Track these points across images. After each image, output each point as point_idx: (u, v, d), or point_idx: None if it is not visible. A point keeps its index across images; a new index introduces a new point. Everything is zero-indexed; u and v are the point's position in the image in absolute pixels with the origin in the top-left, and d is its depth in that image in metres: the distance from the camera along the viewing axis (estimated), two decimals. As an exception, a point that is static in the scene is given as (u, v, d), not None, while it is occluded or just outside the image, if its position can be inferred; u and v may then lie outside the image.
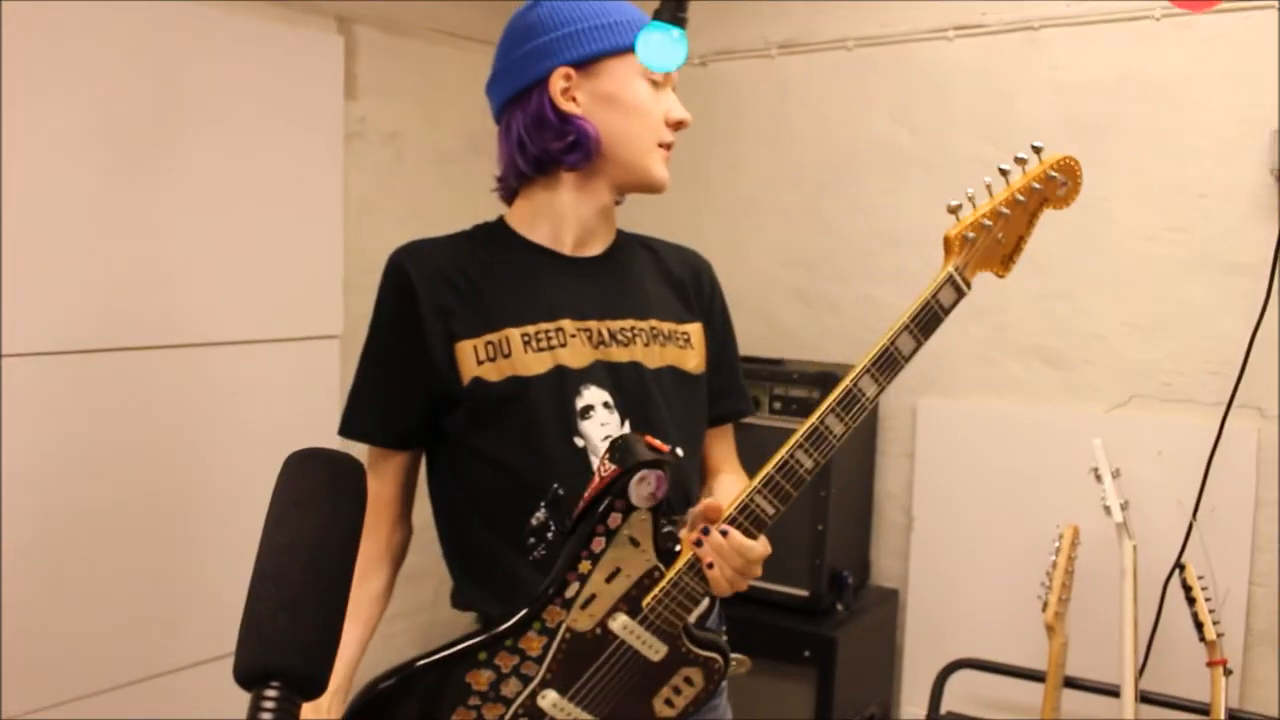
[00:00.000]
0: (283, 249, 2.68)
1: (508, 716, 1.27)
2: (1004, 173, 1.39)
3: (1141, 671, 2.28)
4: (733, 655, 1.38)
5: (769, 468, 1.29)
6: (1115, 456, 2.35)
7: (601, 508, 1.26)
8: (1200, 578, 2.17)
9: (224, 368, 2.58)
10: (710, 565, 1.27)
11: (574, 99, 1.45)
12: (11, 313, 2.19)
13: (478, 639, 1.28)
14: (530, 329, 1.43)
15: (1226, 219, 2.47)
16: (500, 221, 1.55)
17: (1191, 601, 2.16)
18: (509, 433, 1.42)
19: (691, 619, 1.32)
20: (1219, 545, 2.37)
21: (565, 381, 1.43)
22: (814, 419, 1.29)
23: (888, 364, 1.33)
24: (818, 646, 2.60)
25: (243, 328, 2.61)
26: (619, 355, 1.46)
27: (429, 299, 1.44)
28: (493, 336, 1.42)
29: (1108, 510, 2.28)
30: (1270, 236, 2.39)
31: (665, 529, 1.30)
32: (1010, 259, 1.42)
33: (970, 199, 1.37)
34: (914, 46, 2.88)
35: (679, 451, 1.49)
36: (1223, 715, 2.09)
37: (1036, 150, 1.40)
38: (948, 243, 1.37)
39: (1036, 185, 1.40)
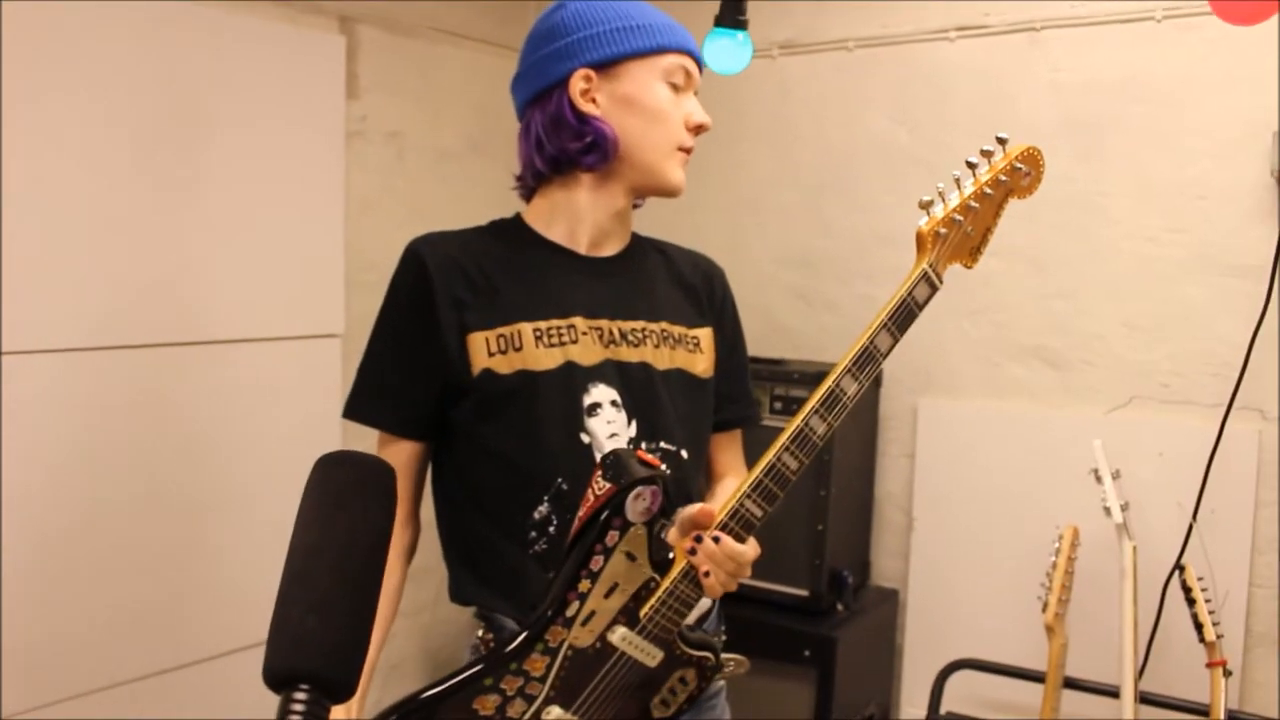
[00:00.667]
0: (284, 247, 2.68)
1: None
2: (971, 166, 1.40)
3: (1141, 672, 2.28)
4: (731, 656, 1.38)
5: (756, 472, 1.30)
6: (1115, 458, 2.35)
7: (599, 526, 1.27)
8: (1200, 579, 2.17)
9: (225, 366, 2.58)
10: (707, 574, 1.28)
11: (594, 100, 1.47)
12: (12, 311, 2.20)
13: (482, 665, 1.28)
14: (542, 324, 1.44)
15: (1227, 220, 2.47)
16: (518, 218, 1.56)
17: (1191, 603, 2.16)
18: (516, 426, 1.43)
19: (689, 621, 1.33)
20: (1219, 547, 2.37)
21: (574, 378, 1.43)
22: (798, 421, 1.30)
23: (866, 362, 1.35)
24: (817, 646, 2.60)
25: (243, 326, 2.62)
26: (629, 355, 1.47)
27: (444, 289, 1.45)
28: (505, 330, 1.43)
29: (1108, 511, 2.28)
30: (1270, 238, 2.39)
31: (658, 531, 1.31)
32: (978, 250, 1.44)
33: (940, 194, 1.39)
34: (915, 47, 2.88)
35: (683, 454, 1.50)
36: (1222, 717, 2.10)
37: (1001, 142, 1.41)
38: (920, 239, 1.39)
39: (1003, 178, 1.41)
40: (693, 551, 1.28)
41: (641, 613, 1.30)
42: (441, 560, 1.56)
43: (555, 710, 1.29)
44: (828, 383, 1.31)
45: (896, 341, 1.37)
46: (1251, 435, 2.43)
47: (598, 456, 1.41)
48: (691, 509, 1.30)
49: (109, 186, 2.34)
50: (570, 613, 1.29)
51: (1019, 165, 1.42)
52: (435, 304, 1.44)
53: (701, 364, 1.55)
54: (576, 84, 1.46)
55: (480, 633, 1.47)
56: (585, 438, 1.43)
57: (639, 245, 1.61)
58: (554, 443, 1.42)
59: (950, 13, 2.81)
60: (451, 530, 1.52)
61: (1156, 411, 2.57)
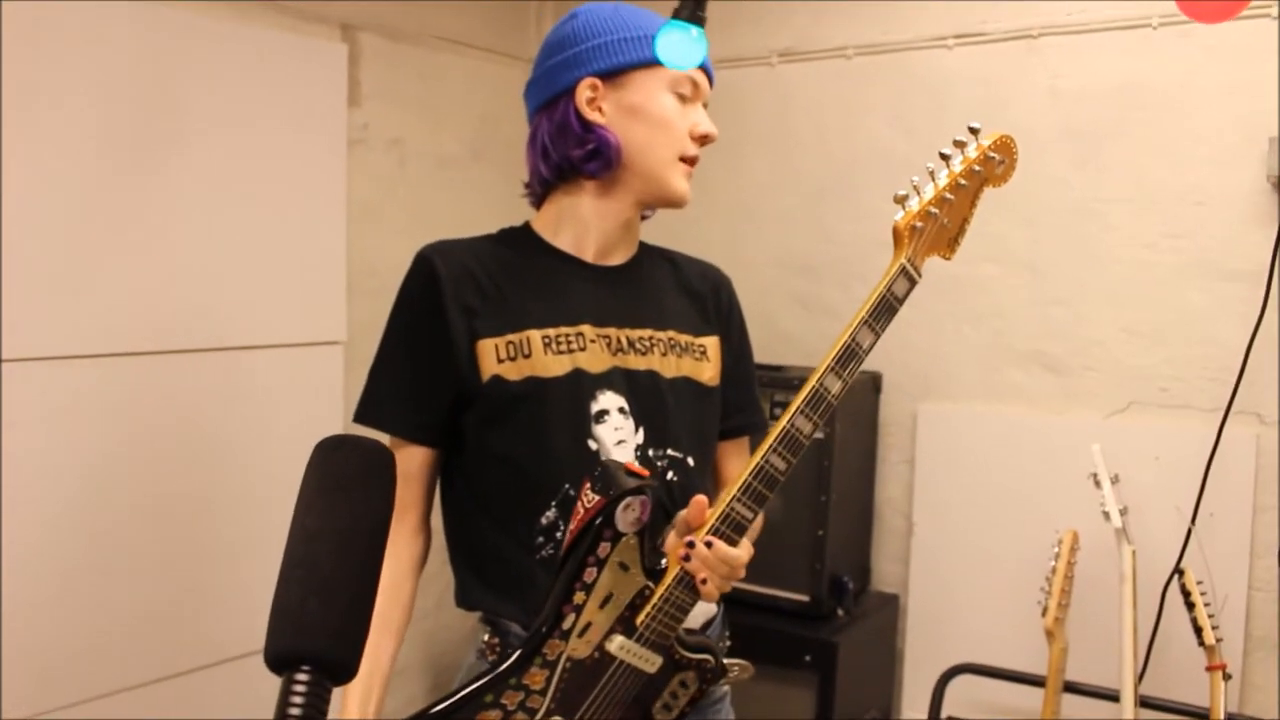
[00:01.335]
0: (286, 255, 2.69)
1: None
2: (945, 158, 1.41)
3: (1141, 676, 2.28)
4: (735, 661, 1.39)
5: (745, 475, 1.30)
6: (1114, 462, 2.36)
7: (590, 538, 1.28)
8: (1199, 583, 2.18)
9: (227, 373, 2.59)
10: (704, 580, 1.29)
11: (600, 109, 1.48)
12: (12, 318, 2.21)
13: (482, 681, 1.29)
14: (551, 331, 1.45)
15: (1225, 226, 2.48)
16: (526, 226, 1.57)
17: (1191, 607, 2.16)
18: (524, 432, 1.44)
19: (698, 624, 1.34)
20: (1218, 551, 2.38)
21: (582, 385, 1.44)
22: (784, 422, 1.30)
23: (849, 359, 1.34)
24: (818, 651, 2.61)
25: (246, 333, 2.63)
26: (637, 363, 1.48)
27: (454, 295, 1.46)
28: (514, 336, 1.44)
29: (1107, 516, 2.29)
30: (1268, 243, 2.40)
31: (660, 543, 1.32)
32: (955, 241, 1.43)
33: (915, 188, 1.40)
34: (914, 55, 2.89)
35: (690, 461, 1.50)
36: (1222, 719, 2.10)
37: (974, 132, 1.41)
38: (897, 234, 1.38)
39: (977, 168, 1.41)
40: (686, 558, 1.28)
41: (638, 620, 1.30)
42: (444, 566, 1.57)
43: None
44: (811, 382, 1.31)
45: (878, 337, 1.36)
46: (1250, 439, 2.43)
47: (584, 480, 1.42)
48: (685, 510, 1.31)
49: (110, 193, 2.35)
50: (566, 625, 1.29)
51: (992, 154, 1.42)
52: (445, 310, 1.45)
53: (708, 372, 1.56)
54: (583, 92, 1.47)
55: (485, 637, 1.48)
56: (593, 444, 1.43)
57: (647, 254, 1.62)
58: (561, 449, 1.43)
59: (949, 20, 2.83)
60: (458, 535, 1.53)
61: (1155, 416, 2.58)
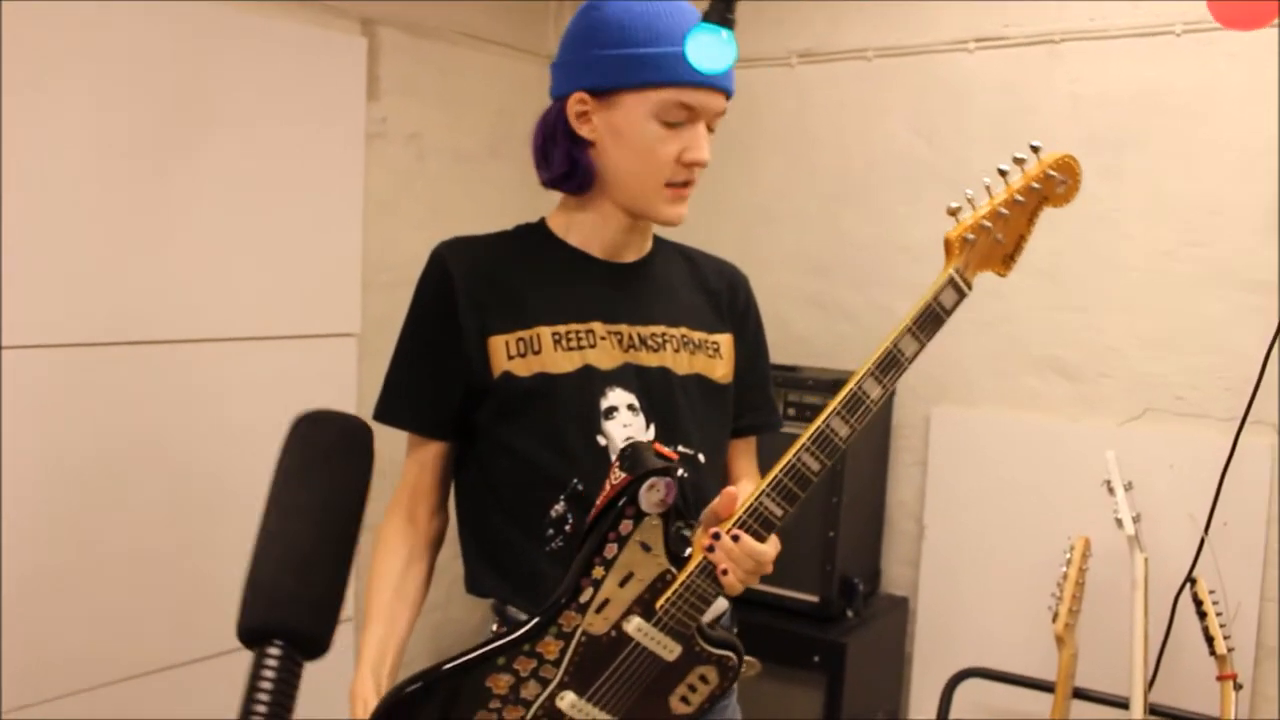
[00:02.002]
0: (302, 247, 2.70)
1: (527, 718, 1.30)
2: (1003, 173, 1.40)
3: (1151, 684, 2.28)
4: (745, 657, 1.39)
5: (776, 470, 1.30)
6: (1128, 469, 2.35)
7: (613, 515, 1.29)
8: (1211, 592, 2.17)
9: (241, 364, 2.60)
10: (725, 572, 1.29)
11: (590, 122, 1.46)
12: (21, 305, 2.22)
13: (496, 644, 1.30)
14: (562, 328, 1.46)
15: (1243, 235, 2.47)
16: (541, 223, 1.57)
17: (1202, 615, 2.16)
18: (533, 427, 1.45)
19: (706, 619, 1.34)
20: (1231, 560, 2.37)
21: (592, 381, 1.45)
22: (819, 422, 1.31)
23: (890, 365, 1.35)
24: (827, 652, 2.61)
25: (260, 324, 2.64)
26: (648, 360, 1.48)
27: (467, 293, 1.47)
28: (524, 333, 1.45)
29: (1120, 522, 2.28)
30: (1287, 253, 2.39)
31: (676, 531, 1.32)
32: (1011, 258, 1.44)
33: (970, 201, 1.39)
34: (934, 58, 2.89)
35: (701, 458, 1.51)
36: (1231, 729, 2.10)
37: (1035, 150, 1.40)
38: (948, 244, 1.39)
39: (1035, 185, 1.40)
40: (711, 549, 1.29)
41: (658, 604, 1.31)
42: (452, 560, 1.58)
43: (570, 696, 1.30)
44: (850, 384, 1.32)
45: (922, 346, 1.37)
46: (1265, 449, 2.42)
47: (614, 459, 1.42)
48: (715, 501, 1.32)
49: (127, 184, 2.36)
50: (584, 599, 1.30)
51: (1053, 173, 1.41)
52: (458, 308, 1.46)
53: (721, 369, 1.56)
54: (574, 105, 1.46)
55: (494, 626, 1.49)
56: (602, 440, 1.44)
57: (662, 250, 1.61)
58: (570, 444, 1.44)
59: (970, 23, 2.82)
60: (470, 524, 1.54)
61: (1170, 424, 2.57)
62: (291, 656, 0.79)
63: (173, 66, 2.40)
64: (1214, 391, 2.52)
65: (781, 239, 3.13)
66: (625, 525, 1.29)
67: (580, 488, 1.43)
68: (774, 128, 3.16)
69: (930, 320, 1.38)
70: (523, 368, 1.44)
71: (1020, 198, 1.40)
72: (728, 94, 1.46)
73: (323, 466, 0.90)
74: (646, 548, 1.30)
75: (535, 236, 1.56)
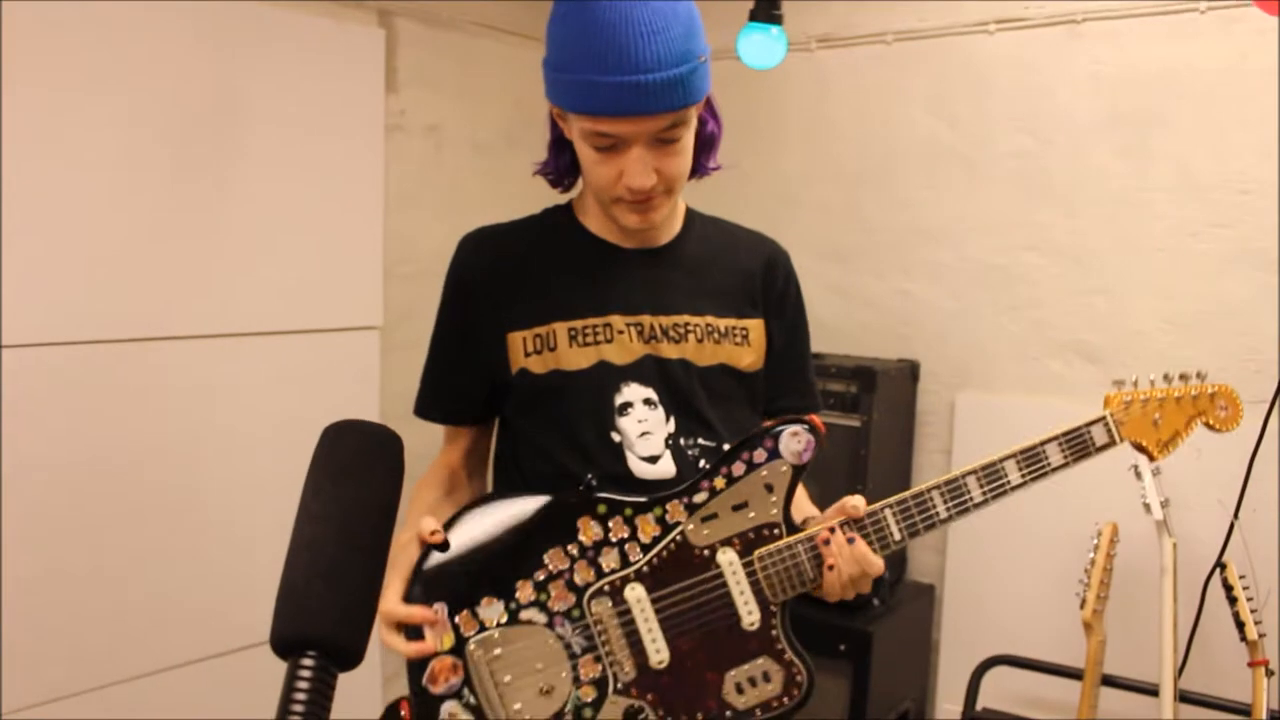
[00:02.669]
0: (323, 240, 2.71)
1: (593, 587, 1.30)
2: (1168, 378, 1.59)
3: (1181, 671, 2.25)
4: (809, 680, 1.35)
5: (906, 494, 1.36)
6: (1156, 454, 2.32)
7: (752, 441, 1.35)
8: (1242, 577, 2.15)
9: (264, 358, 2.61)
10: (831, 567, 1.31)
11: (566, 123, 1.42)
12: (30, 302, 2.24)
13: (607, 495, 1.34)
14: (578, 324, 1.45)
15: (1271, 215, 2.44)
16: (568, 207, 1.56)
17: (1233, 601, 2.13)
18: (549, 424, 1.45)
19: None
20: (1261, 545, 2.35)
21: (607, 378, 1.44)
22: (958, 473, 1.40)
23: (1033, 460, 1.47)
24: (853, 641, 2.60)
25: (282, 318, 2.65)
26: (669, 351, 1.47)
27: (486, 290, 1.47)
28: (541, 329, 1.45)
29: (1147, 508, 2.25)
30: (1316, 232, 2.36)
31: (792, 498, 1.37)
32: (1162, 445, 1.58)
33: (1134, 382, 1.57)
34: (954, 40, 2.86)
35: (725, 449, 1.48)
36: (1264, 716, 2.07)
37: (1200, 376, 1.62)
38: (1107, 400, 1.55)
39: (1194, 394, 1.59)
40: (826, 542, 1.32)
41: (756, 552, 1.33)
42: None
43: (639, 589, 1.30)
44: (994, 459, 1.43)
45: (1066, 463, 1.49)
46: (1295, 432, 2.39)
47: (629, 455, 1.42)
48: (846, 499, 1.35)
49: (146, 180, 2.37)
50: (697, 499, 1.34)
51: (1214, 394, 1.60)
52: (477, 305, 1.48)
53: (748, 358, 1.53)
54: (552, 107, 1.43)
55: None
56: (616, 437, 1.43)
57: (694, 229, 1.56)
58: (585, 441, 1.44)
59: (989, 5, 2.79)
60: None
61: (1198, 408, 2.54)
62: (325, 667, 0.79)
63: (190, 62, 2.41)
64: (1242, 374, 2.48)
65: (803, 225, 3.12)
66: (759, 455, 1.34)
67: (595, 483, 1.42)
68: (794, 114, 3.14)
69: (1076, 442, 1.49)
70: (539, 364, 1.44)
71: (1177, 396, 1.58)
72: (681, 107, 1.32)
73: (352, 476, 0.91)
74: (769, 489, 1.34)
75: (560, 222, 1.54)
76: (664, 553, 1.32)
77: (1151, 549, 2.25)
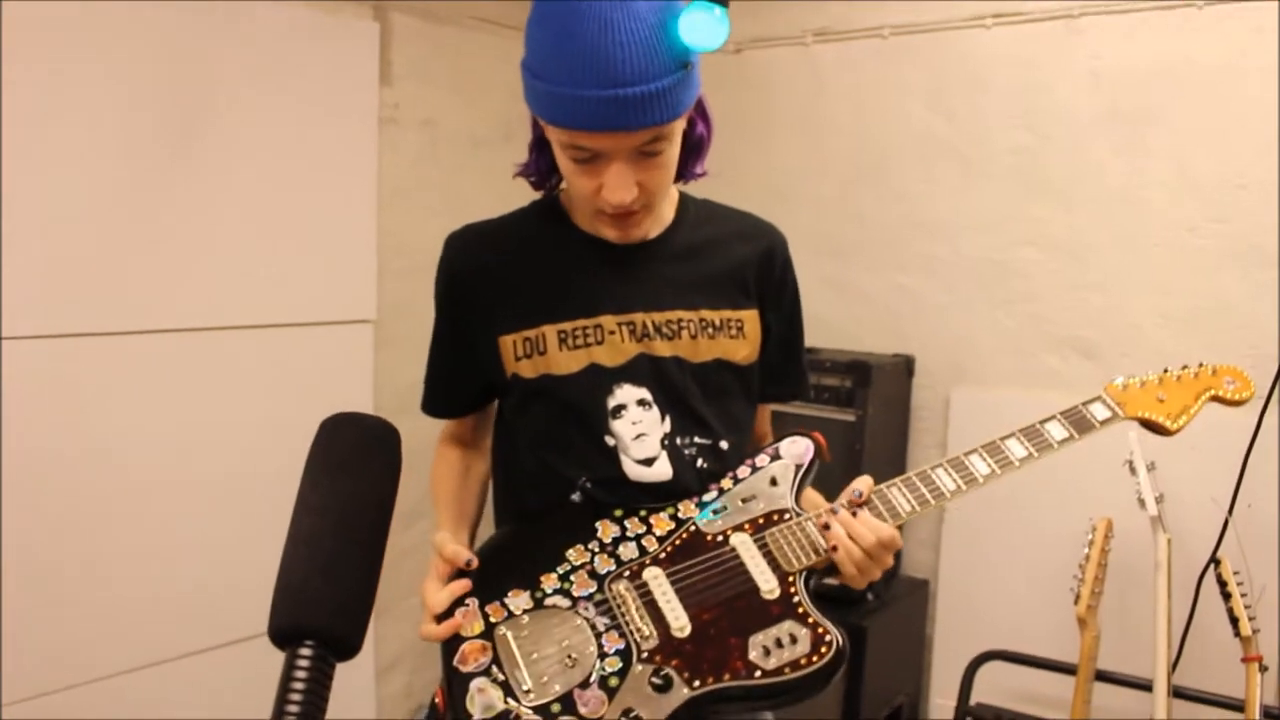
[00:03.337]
0: (316, 234, 2.70)
1: (614, 573, 1.33)
2: (1167, 370, 1.63)
3: (1175, 666, 2.26)
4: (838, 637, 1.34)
5: (912, 473, 1.41)
6: (1150, 449, 2.32)
7: (756, 453, 1.44)
8: (1236, 573, 2.15)
9: (258, 352, 2.60)
10: (834, 548, 1.32)
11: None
12: (27, 294, 2.23)
13: (620, 501, 1.40)
14: (567, 326, 1.42)
15: (1269, 210, 2.44)
16: (555, 202, 1.52)
17: (1227, 597, 2.14)
18: (542, 428, 1.44)
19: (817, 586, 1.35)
20: (1255, 541, 2.35)
21: (598, 381, 1.42)
22: (964, 454, 1.46)
23: (1035, 435, 1.50)
24: (847, 635, 2.59)
25: (276, 312, 2.63)
26: (663, 349, 1.44)
27: (474, 293, 1.45)
28: (530, 333, 1.43)
29: (1142, 503, 2.26)
30: (1312, 228, 2.36)
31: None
32: (1176, 418, 1.59)
33: (1133, 376, 1.61)
34: (951, 34, 2.85)
35: (723, 444, 1.45)
36: (1257, 712, 2.08)
37: (1201, 365, 1.64)
38: (1106, 388, 1.58)
39: (1195, 374, 1.61)
40: (826, 526, 1.34)
41: (769, 531, 1.36)
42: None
43: (656, 569, 1.33)
44: (997, 439, 1.49)
45: (1070, 437, 1.51)
46: (1290, 428, 2.39)
47: (623, 459, 1.41)
48: (853, 482, 1.38)
49: (141, 173, 2.36)
50: (707, 498, 1.40)
51: (1217, 370, 1.62)
52: (467, 309, 1.46)
53: (743, 350, 1.50)
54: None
55: None
56: (610, 440, 1.41)
57: (687, 218, 1.53)
58: (578, 446, 1.42)
59: (987, 0, 2.79)
60: (504, 494, 1.55)
61: (1193, 403, 2.54)
62: (323, 657, 0.80)
63: (184, 54, 2.39)
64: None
65: (798, 220, 3.10)
66: (762, 459, 1.43)
67: (589, 487, 1.41)
68: (789, 107, 3.14)
69: (1076, 417, 1.53)
70: (529, 369, 1.42)
71: (1179, 373, 1.61)
72: (664, 122, 1.27)
73: (349, 469, 0.91)
74: (774, 481, 1.41)
75: (548, 218, 1.51)
76: (678, 540, 1.36)
77: (1146, 545, 2.25)
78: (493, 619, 1.28)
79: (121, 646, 2.42)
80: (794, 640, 1.26)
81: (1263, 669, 2.09)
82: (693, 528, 1.36)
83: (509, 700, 1.20)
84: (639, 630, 1.26)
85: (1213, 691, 2.29)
